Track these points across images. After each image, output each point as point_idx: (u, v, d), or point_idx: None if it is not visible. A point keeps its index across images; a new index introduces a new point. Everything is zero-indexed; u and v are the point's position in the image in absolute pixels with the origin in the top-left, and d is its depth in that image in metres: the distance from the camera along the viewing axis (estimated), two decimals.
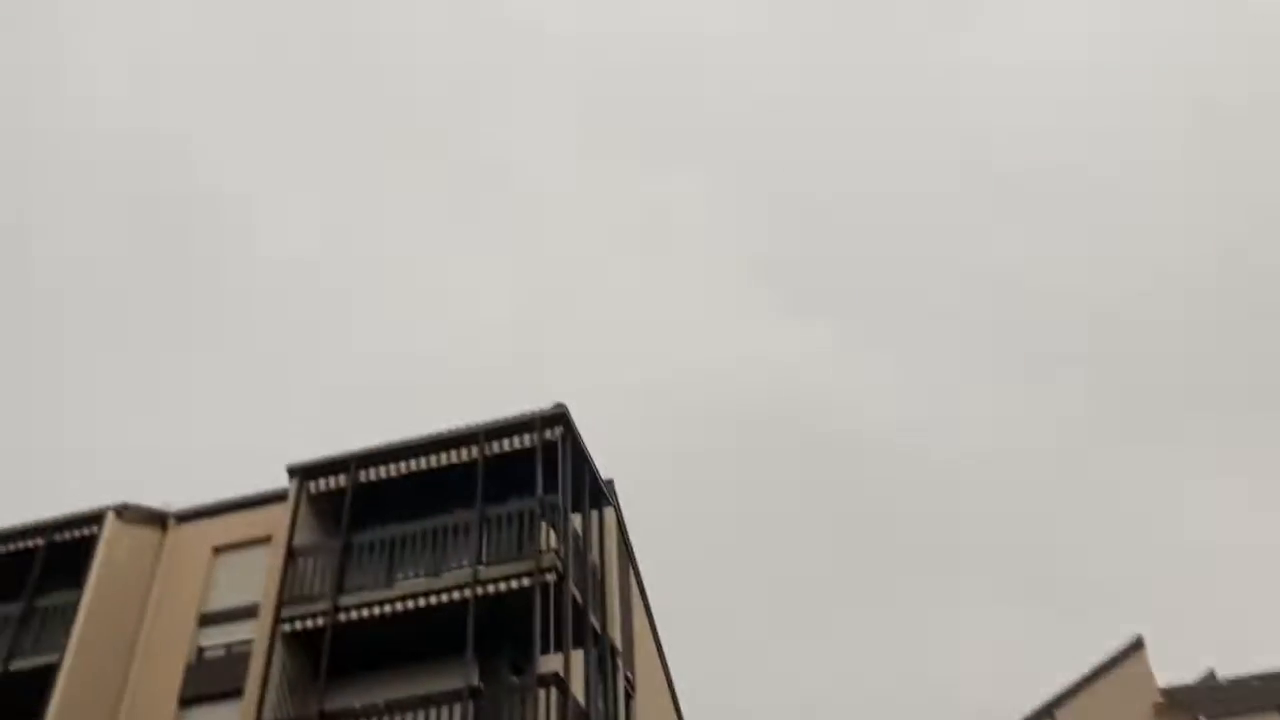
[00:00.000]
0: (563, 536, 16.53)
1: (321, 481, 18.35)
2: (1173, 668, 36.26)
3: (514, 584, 15.90)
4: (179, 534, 20.31)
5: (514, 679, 16.25)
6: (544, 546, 16.19)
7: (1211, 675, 35.68)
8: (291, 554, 17.48)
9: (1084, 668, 34.58)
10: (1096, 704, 33.78)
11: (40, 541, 19.48)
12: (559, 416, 17.56)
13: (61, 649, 17.70)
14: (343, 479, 18.16)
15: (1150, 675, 33.79)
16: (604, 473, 19.72)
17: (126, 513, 19.54)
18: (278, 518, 18.51)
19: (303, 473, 18.44)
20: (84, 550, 18.99)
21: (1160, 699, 33.26)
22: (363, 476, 18.07)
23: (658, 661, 26.70)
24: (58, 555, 19.27)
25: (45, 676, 17.47)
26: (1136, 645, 34.02)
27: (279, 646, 16.56)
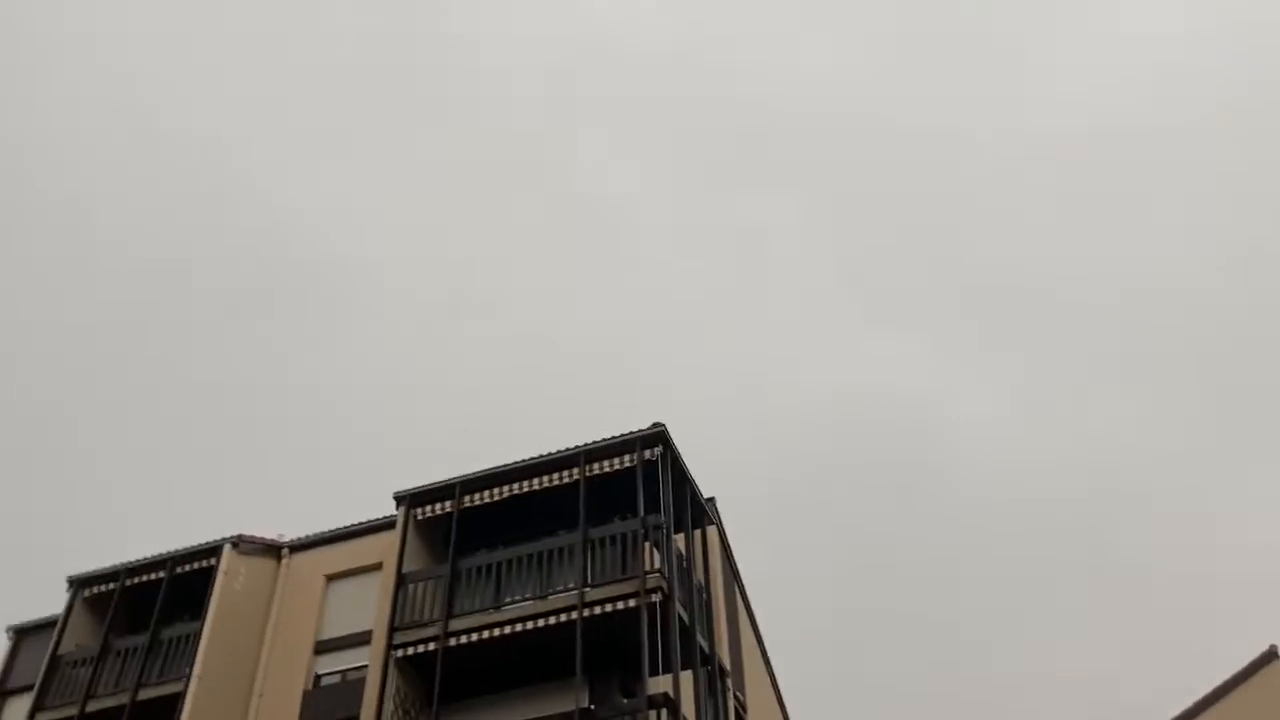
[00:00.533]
0: (666, 556, 16.47)
1: (427, 508, 18.62)
2: None
3: (620, 605, 15.88)
4: (293, 563, 20.83)
5: (624, 700, 16.20)
6: (648, 566, 16.15)
7: None
8: (401, 580, 17.74)
9: (1214, 680, 33.16)
10: (1231, 717, 32.33)
11: (163, 574, 20.17)
12: (658, 436, 17.55)
13: (186, 678, 18.23)
14: (448, 504, 18.40)
15: None
16: (704, 492, 19.64)
17: (242, 544, 20.11)
18: (386, 545, 18.85)
19: (409, 500, 18.74)
20: (204, 582, 19.59)
21: None
22: (467, 501, 18.28)
23: (768, 681, 26.40)
24: (180, 587, 19.92)
25: (172, 705, 18.02)
26: (1270, 656, 32.51)
27: (392, 671, 16.80)
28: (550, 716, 15.49)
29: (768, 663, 26.73)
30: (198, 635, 18.76)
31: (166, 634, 19.32)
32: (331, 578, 20.47)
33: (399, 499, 18.87)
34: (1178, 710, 33.39)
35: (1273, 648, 33.17)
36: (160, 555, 20.45)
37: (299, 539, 21.15)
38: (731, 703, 21.26)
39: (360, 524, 20.69)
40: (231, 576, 19.63)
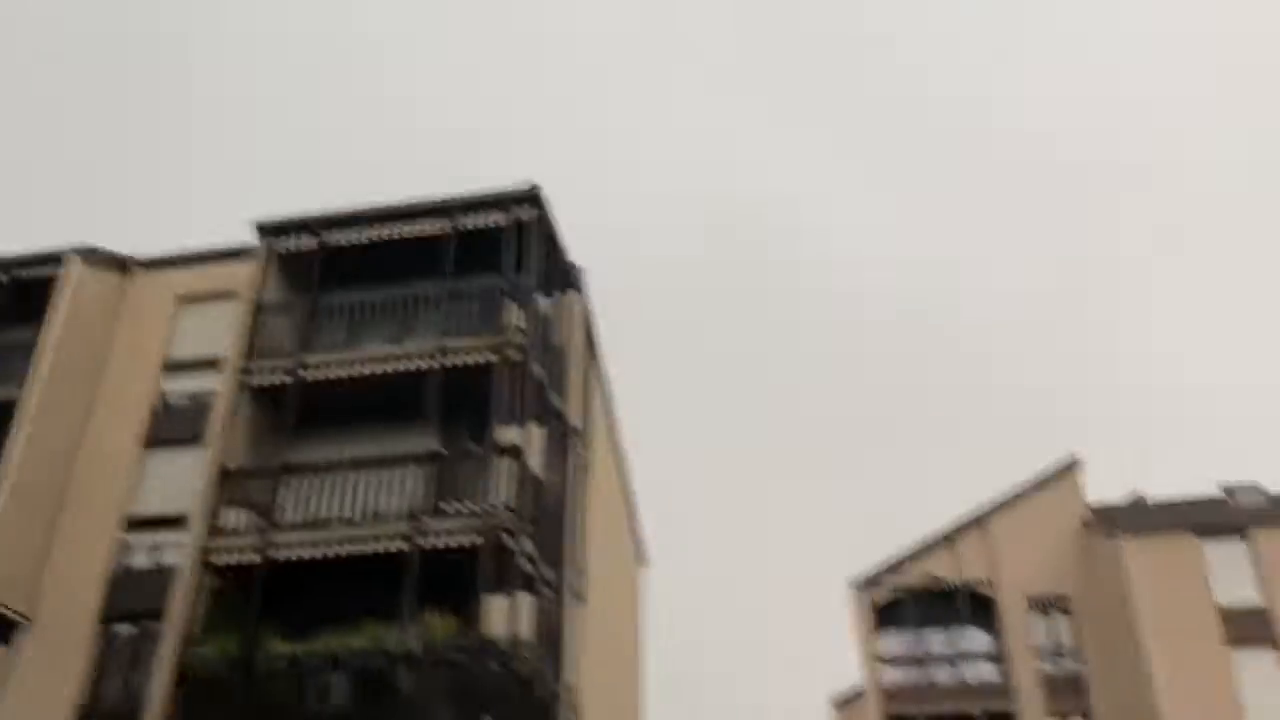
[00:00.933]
0: (528, 316, 16.64)
1: (289, 241, 18.20)
2: (1110, 490, 37.92)
3: (478, 358, 16.10)
4: (143, 281, 20.21)
5: (473, 447, 16.68)
6: (509, 324, 16.32)
7: (1139, 497, 37.34)
8: (258, 310, 17.51)
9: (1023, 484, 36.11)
10: (1028, 516, 35.43)
11: (3, 278, 19.35)
12: (531, 195, 17.37)
13: (24, 384, 17.85)
14: (311, 240, 18.03)
15: (1080, 493, 35.36)
16: (574, 262, 19.69)
17: (89, 255, 19.37)
18: (244, 273, 18.44)
19: (272, 230, 18.27)
20: (46, 290, 18.89)
21: (1088, 515, 34.87)
22: (331, 239, 17.93)
23: (614, 445, 27.49)
24: (20, 293, 19.17)
25: (7, 411, 17.69)
26: (1071, 465, 35.44)
27: (243, 399, 16.81)
28: (400, 456, 15.86)
29: (616, 426, 27.77)
30: (37, 346, 18.25)
31: (3, 339, 18.73)
32: (184, 299, 19.99)
33: (261, 229, 18.37)
34: (991, 504, 36.31)
35: (1073, 456, 36.07)
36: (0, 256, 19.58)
37: (151, 257, 20.49)
38: (577, 459, 22.15)
39: (217, 249, 20.11)
40: (77, 288, 18.97)
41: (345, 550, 14.92)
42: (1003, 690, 33.19)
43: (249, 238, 18.78)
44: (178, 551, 16.62)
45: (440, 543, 14.66)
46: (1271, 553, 30.04)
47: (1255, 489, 33.07)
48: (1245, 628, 29.24)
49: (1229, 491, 33.79)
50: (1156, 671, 28.92)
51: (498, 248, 17.04)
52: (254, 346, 17.21)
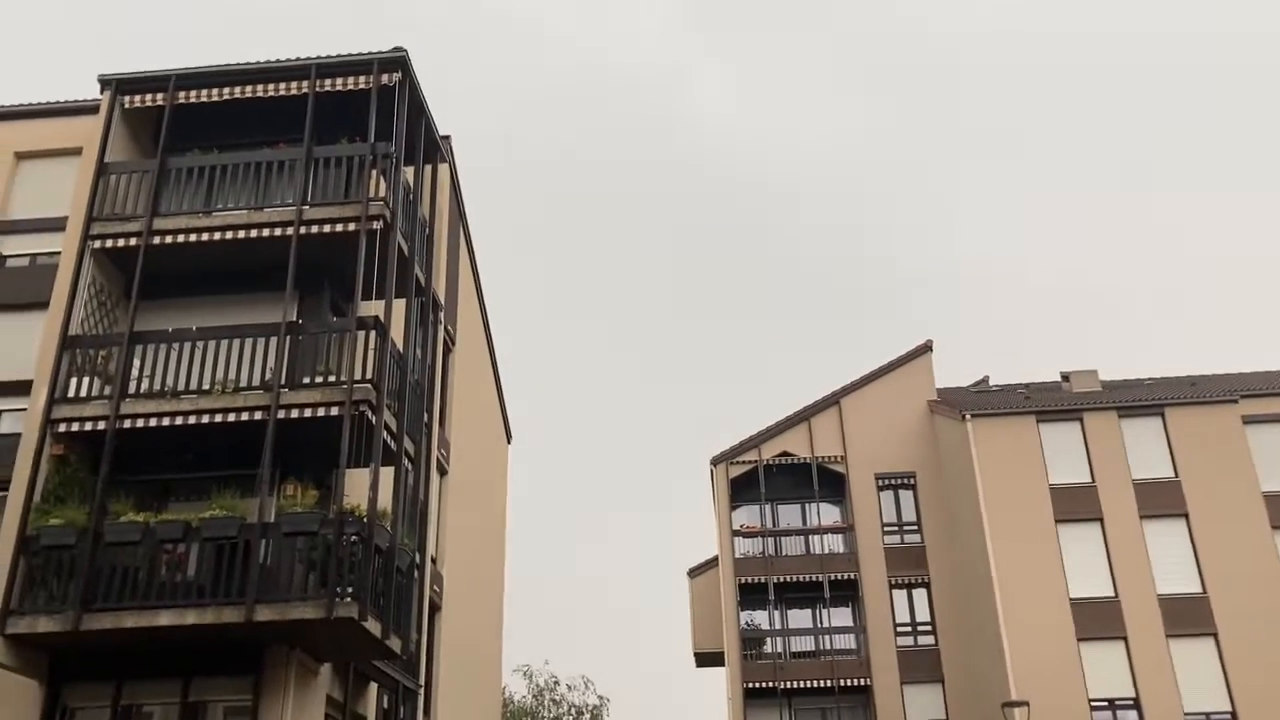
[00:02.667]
0: (392, 185, 16.25)
1: (137, 97, 17.23)
2: (965, 377, 39.67)
3: (339, 227, 15.69)
4: None
5: (333, 319, 16.40)
6: (373, 193, 15.92)
7: (985, 381, 39.23)
8: (103, 169, 16.64)
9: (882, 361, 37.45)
10: (879, 396, 36.91)
11: None
12: (398, 61, 16.77)
13: None
14: (160, 97, 17.10)
15: (930, 377, 36.96)
16: (441, 131, 19.22)
17: None
18: (89, 129, 17.44)
19: (116, 85, 17.25)
20: None
21: (935, 398, 36.51)
22: (182, 97, 17.04)
23: (480, 323, 27.39)
24: None
25: None
26: (924, 349, 36.89)
27: (88, 262, 16.09)
28: (256, 325, 15.48)
29: (482, 304, 27.63)
30: None
31: None
32: (22, 155, 18.81)
33: (104, 83, 17.33)
34: (838, 387, 37.63)
35: (928, 341, 37.55)
36: None
37: None
38: (441, 334, 22.01)
39: (58, 102, 18.90)
40: None
41: (200, 420, 14.61)
42: (847, 559, 35.03)
43: (96, 95, 17.72)
44: (20, 419, 16.01)
45: (298, 414, 14.48)
46: (1101, 435, 32.08)
47: (1090, 375, 35.05)
48: (1074, 504, 31.36)
49: (1066, 378, 35.74)
50: (991, 543, 30.89)
51: (363, 115, 16.48)
52: (100, 207, 16.39)
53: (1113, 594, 30.18)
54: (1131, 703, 29.00)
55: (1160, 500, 31.09)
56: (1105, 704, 29.05)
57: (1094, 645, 29.59)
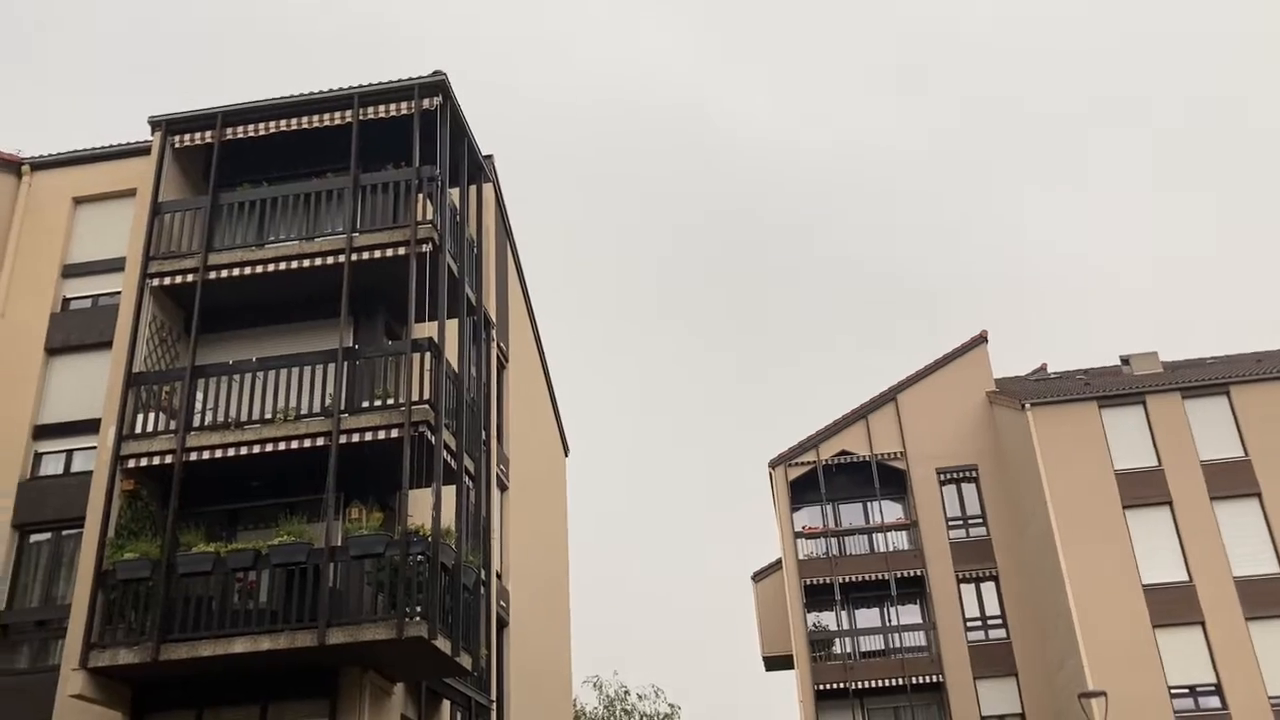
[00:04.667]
0: (439, 208, 16.43)
1: (186, 136, 17.61)
2: (1023, 366, 39.18)
3: (389, 252, 15.89)
4: (36, 183, 19.51)
5: (388, 343, 16.61)
6: (420, 217, 16.11)
7: (1043, 369, 38.71)
8: (157, 209, 17.01)
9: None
10: (936, 390, 36.54)
11: None
12: (438, 85, 16.98)
13: None
14: (209, 134, 17.46)
15: (987, 368, 36.53)
16: (482, 150, 19.39)
17: None
18: (142, 171, 17.86)
19: (166, 126, 17.63)
20: None
21: (994, 388, 36.07)
22: (230, 133, 17.37)
23: (531, 337, 27.56)
24: None
25: None
26: (979, 340, 36.49)
27: (148, 300, 16.45)
28: (313, 353, 15.72)
29: (533, 319, 27.80)
30: None
31: None
32: (80, 200, 19.38)
33: (154, 124, 17.72)
34: (894, 382, 37.34)
35: (983, 332, 37.14)
36: None
37: (42, 156, 19.71)
38: (494, 351, 22.20)
39: (111, 146, 19.42)
40: None
41: (263, 449, 14.86)
42: (913, 555, 34.68)
43: (147, 137, 18.16)
44: (91, 457, 16.42)
45: (359, 438, 14.68)
46: (1166, 418, 31.51)
47: (1151, 358, 34.46)
48: (1141, 488, 30.83)
49: (1126, 361, 35.16)
50: (1059, 532, 30.45)
51: (406, 140, 16.69)
52: (156, 246, 16.75)
53: (1187, 578, 29.62)
54: (1213, 688, 28.42)
55: (1231, 480, 30.47)
56: (1186, 691, 28.49)
57: (1171, 631, 29.04)
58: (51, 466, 17.37)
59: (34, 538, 16.89)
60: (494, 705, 19.63)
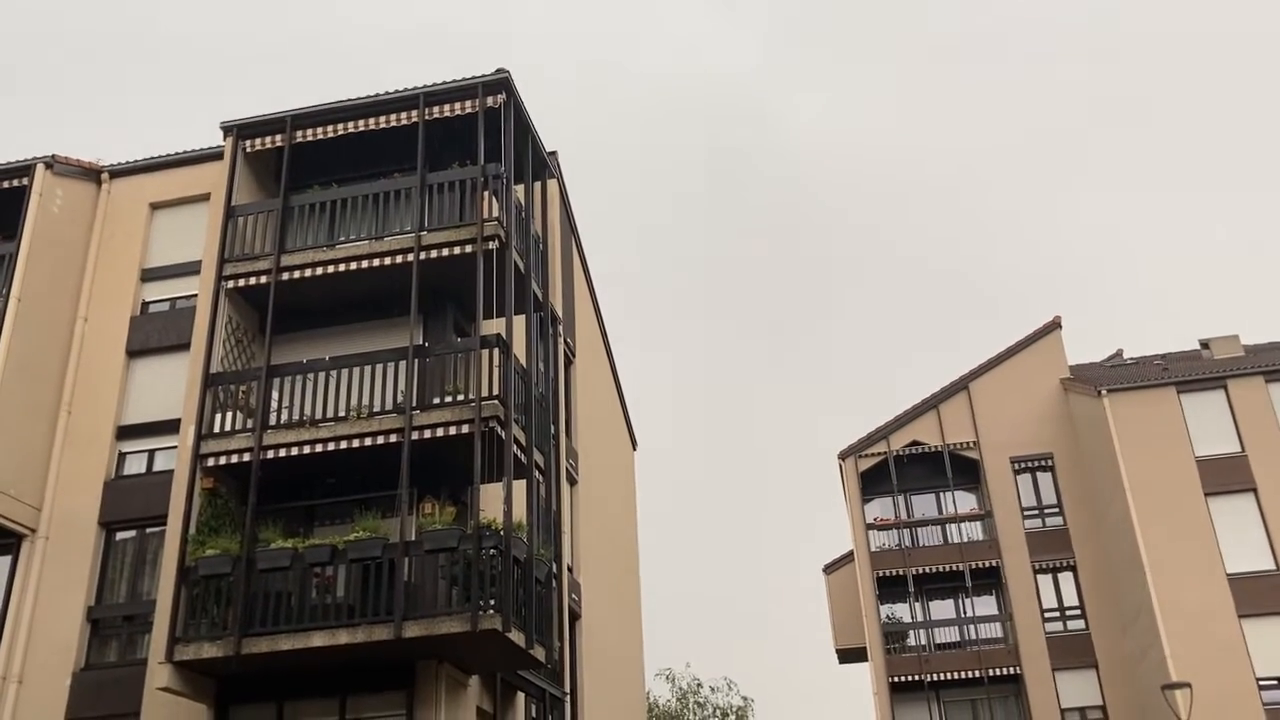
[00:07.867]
0: (505, 205, 16.54)
1: (257, 140, 17.93)
2: (1097, 354, 38.36)
3: (457, 250, 16.04)
4: (114, 189, 20.03)
5: (458, 339, 16.77)
6: (487, 214, 16.23)
7: (1119, 355, 37.84)
8: (231, 212, 17.35)
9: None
10: (1008, 378, 35.92)
11: None
12: (501, 83, 17.08)
13: (4, 297, 17.77)
14: (279, 138, 17.76)
15: (1061, 354, 35.81)
16: (546, 147, 19.47)
17: (57, 165, 19.08)
18: (215, 176, 18.25)
19: (237, 131, 17.98)
20: (16, 204, 18.64)
21: (1068, 375, 35.36)
22: (299, 136, 17.66)
23: (598, 332, 27.64)
24: None
25: None
26: (1053, 326, 35.79)
27: (223, 302, 16.80)
28: (385, 351, 15.94)
29: (599, 313, 27.88)
30: (13, 257, 18.10)
31: None
32: (157, 206, 19.86)
33: (226, 129, 18.08)
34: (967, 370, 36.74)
35: (1056, 318, 36.42)
36: None
37: (120, 164, 20.22)
38: (561, 347, 22.30)
39: (185, 153, 19.86)
40: (48, 198, 18.75)
41: (338, 446, 15.09)
42: (988, 546, 34.16)
43: (219, 141, 18.54)
44: (172, 456, 16.82)
45: (431, 434, 14.84)
46: (1249, 402, 30.65)
47: (1232, 341, 33.53)
48: (1224, 475, 30.02)
49: (1205, 345, 34.25)
50: (1138, 521, 29.77)
51: (471, 138, 16.83)
52: (230, 249, 17.10)
53: (1274, 567, 28.79)
54: None
55: None
56: (1275, 682, 27.69)
57: (1258, 621, 28.25)
58: (134, 466, 17.84)
59: (119, 535, 17.36)
60: (568, 697, 19.75)
